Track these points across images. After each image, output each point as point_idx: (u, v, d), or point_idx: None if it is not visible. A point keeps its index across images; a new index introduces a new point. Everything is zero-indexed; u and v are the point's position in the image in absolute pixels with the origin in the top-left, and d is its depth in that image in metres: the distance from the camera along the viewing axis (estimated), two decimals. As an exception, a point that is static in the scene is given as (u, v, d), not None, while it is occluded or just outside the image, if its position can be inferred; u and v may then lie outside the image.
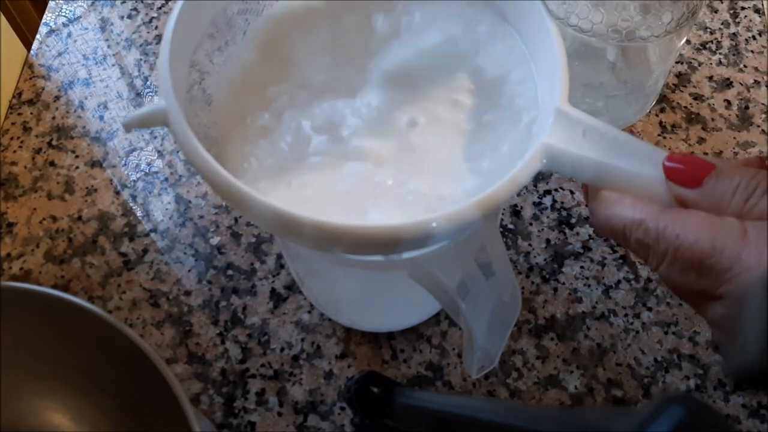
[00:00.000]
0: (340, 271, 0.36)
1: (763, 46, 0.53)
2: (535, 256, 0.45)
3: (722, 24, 0.54)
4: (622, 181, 0.25)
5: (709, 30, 0.54)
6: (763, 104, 0.50)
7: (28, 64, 0.54)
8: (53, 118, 0.52)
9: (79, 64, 0.54)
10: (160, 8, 0.57)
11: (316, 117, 0.29)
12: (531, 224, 0.46)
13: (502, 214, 0.46)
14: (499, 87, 0.30)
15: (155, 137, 0.50)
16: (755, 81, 0.51)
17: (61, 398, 0.37)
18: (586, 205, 0.46)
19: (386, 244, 0.23)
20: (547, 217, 0.46)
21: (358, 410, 0.34)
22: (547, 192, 0.47)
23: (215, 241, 0.46)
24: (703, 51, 0.53)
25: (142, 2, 0.57)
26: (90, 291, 0.44)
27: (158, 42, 0.55)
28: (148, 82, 0.53)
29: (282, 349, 0.42)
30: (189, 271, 0.45)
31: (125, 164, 0.49)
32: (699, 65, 0.52)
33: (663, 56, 0.45)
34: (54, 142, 0.51)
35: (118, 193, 0.48)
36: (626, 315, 0.42)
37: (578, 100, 0.48)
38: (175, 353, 0.42)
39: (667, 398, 0.22)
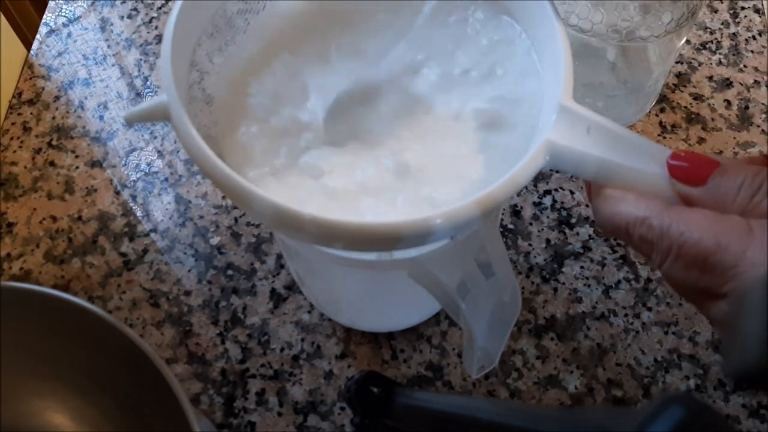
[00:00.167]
0: (340, 271, 0.36)
1: (763, 46, 0.53)
2: (535, 256, 0.45)
3: (722, 24, 0.54)
4: (625, 179, 0.25)
5: (709, 30, 0.54)
6: (763, 104, 0.50)
7: (28, 64, 0.54)
8: (53, 118, 0.52)
9: (79, 64, 0.54)
10: (160, 8, 0.57)
11: (316, 117, 0.29)
12: (531, 224, 0.46)
13: (502, 214, 0.46)
14: (501, 84, 0.30)
15: (155, 137, 0.50)
16: (755, 81, 0.51)
17: (61, 398, 0.37)
18: (587, 205, 0.46)
19: (386, 240, 0.23)
20: (547, 217, 0.46)
21: (358, 410, 0.34)
22: (547, 192, 0.47)
23: (215, 241, 0.46)
24: (703, 51, 0.53)
25: (142, 2, 0.57)
26: (90, 291, 0.44)
27: (158, 42, 0.55)
28: (148, 82, 0.53)
29: (282, 349, 0.42)
30: (189, 271, 0.45)
31: (125, 164, 0.49)
32: (699, 65, 0.52)
33: (663, 56, 0.45)
34: (54, 142, 0.51)
35: (118, 193, 0.48)
36: (626, 315, 0.42)
37: (578, 100, 0.47)
38: (175, 353, 0.42)
39: (667, 398, 0.22)
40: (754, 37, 0.54)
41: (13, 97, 0.53)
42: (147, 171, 0.49)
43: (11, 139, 0.51)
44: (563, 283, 0.44)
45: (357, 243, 0.23)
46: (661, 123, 0.50)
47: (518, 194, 0.47)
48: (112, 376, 0.34)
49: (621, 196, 0.25)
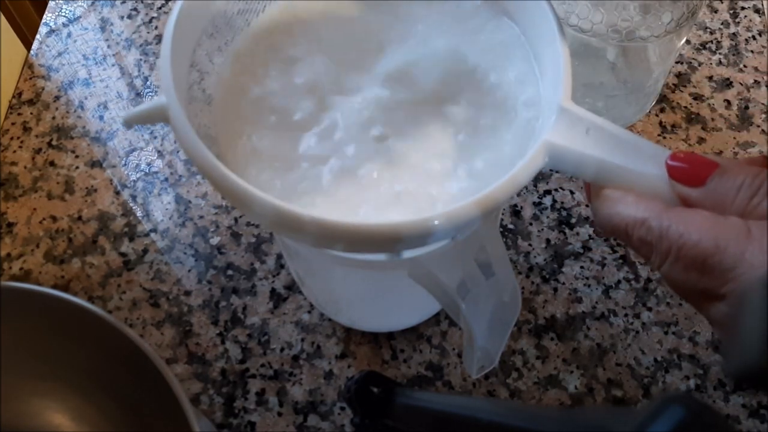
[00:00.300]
0: (340, 271, 0.36)
1: (763, 46, 0.53)
2: (535, 256, 0.45)
3: (722, 24, 0.54)
4: (624, 180, 0.25)
5: (709, 30, 0.54)
6: (763, 104, 0.50)
7: (28, 64, 0.54)
8: (53, 118, 0.52)
9: (79, 64, 0.54)
10: (160, 8, 0.57)
11: (313, 117, 0.29)
12: (531, 224, 0.46)
13: (502, 214, 0.46)
14: (500, 84, 0.30)
15: (155, 137, 0.50)
16: (755, 81, 0.51)
17: (61, 398, 0.37)
18: (587, 205, 0.46)
19: (386, 241, 0.23)
20: (547, 217, 0.46)
21: (358, 410, 0.34)
22: (547, 192, 0.47)
23: (215, 241, 0.46)
24: (703, 51, 0.53)
25: (142, 2, 0.57)
26: (90, 291, 0.44)
27: (158, 42, 0.55)
28: (148, 82, 0.53)
29: (282, 349, 0.42)
30: (189, 271, 0.45)
31: (125, 164, 0.49)
32: (699, 65, 0.52)
33: (663, 56, 0.45)
34: (54, 142, 0.51)
35: (118, 193, 0.48)
36: (626, 315, 0.42)
37: (578, 100, 0.47)
38: (175, 353, 0.42)
39: (667, 398, 0.22)
40: (754, 37, 0.54)
41: (13, 97, 0.53)
42: (147, 171, 0.49)
43: (11, 139, 0.51)
44: (563, 283, 0.44)
45: (357, 244, 0.24)
46: (661, 123, 0.50)
47: (518, 194, 0.47)
48: (112, 376, 0.35)
49: (620, 197, 0.25)
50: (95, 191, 0.48)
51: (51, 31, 0.56)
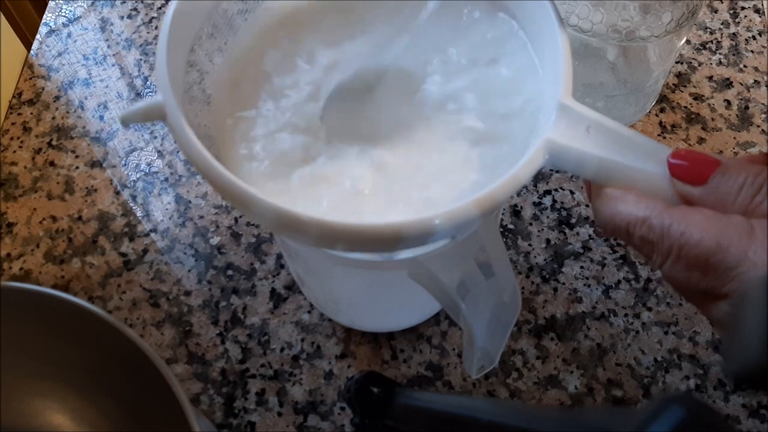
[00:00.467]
0: (340, 271, 0.36)
1: (763, 46, 0.53)
2: (535, 256, 0.45)
3: (722, 24, 0.54)
4: (625, 178, 0.25)
5: (709, 30, 0.54)
6: (763, 104, 0.50)
7: (28, 64, 0.54)
8: (53, 118, 0.52)
9: (79, 64, 0.54)
10: (160, 8, 0.57)
11: (314, 117, 0.29)
12: (531, 224, 0.46)
13: (502, 214, 0.46)
14: (500, 83, 0.30)
15: (155, 137, 0.50)
16: (755, 81, 0.51)
17: (61, 398, 0.37)
18: (587, 205, 0.46)
19: (387, 241, 0.23)
20: (547, 217, 0.46)
21: (358, 410, 0.34)
22: (547, 192, 0.47)
23: (215, 241, 0.46)
24: (703, 51, 0.53)
25: (142, 2, 0.57)
26: (90, 291, 0.44)
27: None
28: (148, 82, 0.53)
29: (282, 349, 0.42)
30: (189, 271, 0.45)
31: (125, 164, 0.49)
32: (699, 65, 0.52)
33: (663, 56, 0.45)
34: (54, 142, 0.51)
35: (118, 193, 0.48)
36: (626, 315, 0.42)
37: (578, 100, 0.47)
38: (175, 353, 0.42)
39: (667, 398, 0.21)
40: (754, 37, 0.54)
41: (13, 97, 0.53)
42: (147, 171, 0.49)
43: (11, 139, 0.51)
44: (563, 283, 0.44)
45: (358, 244, 0.23)
46: (661, 123, 0.50)
47: (518, 194, 0.47)
48: (112, 376, 0.34)
49: (621, 196, 0.25)
50: (95, 191, 0.48)
51: (51, 31, 0.56)
